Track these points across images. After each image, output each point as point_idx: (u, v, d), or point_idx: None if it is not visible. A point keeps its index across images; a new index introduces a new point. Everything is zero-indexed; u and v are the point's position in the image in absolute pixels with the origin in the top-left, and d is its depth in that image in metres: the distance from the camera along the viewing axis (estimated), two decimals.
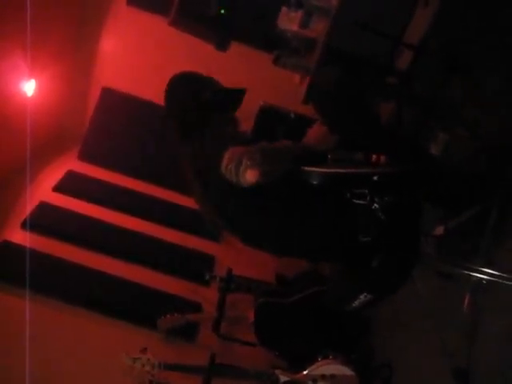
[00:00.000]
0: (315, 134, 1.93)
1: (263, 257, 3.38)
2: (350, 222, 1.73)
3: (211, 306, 3.65)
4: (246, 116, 3.54)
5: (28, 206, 4.06)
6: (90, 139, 5.00)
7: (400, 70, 3.90)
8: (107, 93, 4.99)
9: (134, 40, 4.90)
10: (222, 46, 3.60)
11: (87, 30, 4.89)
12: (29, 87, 4.11)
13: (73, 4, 4.65)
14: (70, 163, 4.85)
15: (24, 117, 3.97)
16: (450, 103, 3.19)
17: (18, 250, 3.69)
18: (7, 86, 3.86)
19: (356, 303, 1.82)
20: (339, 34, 3.19)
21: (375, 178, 1.67)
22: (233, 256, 4.01)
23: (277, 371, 2.75)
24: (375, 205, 1.68)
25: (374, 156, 1.76)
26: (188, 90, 2.01)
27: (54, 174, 4.61)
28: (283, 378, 2.71)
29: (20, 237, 3.83)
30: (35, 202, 4.15)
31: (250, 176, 1.59)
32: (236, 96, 2.09)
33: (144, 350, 2.78)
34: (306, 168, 1.72)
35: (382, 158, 1.76)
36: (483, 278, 2.06)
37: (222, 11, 3.50)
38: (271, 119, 3.39)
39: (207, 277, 3.70)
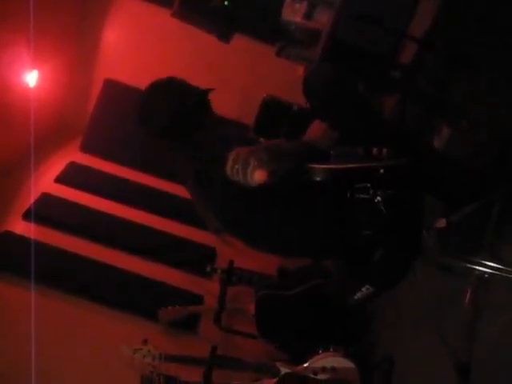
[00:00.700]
0: (316, 130, 1.93)
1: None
2: (351, 218, 1.72)
3: (212, 298, 3.65)
4: (249, 108, 3.54)
5: (30, 197, 4.06)
6: (91, 130, 4.99)
7: (404, 64, 3.89)
8: (109, 84, 4.97)
9: (137, 31, 4.88)
10: (224, 37, 3.58)
11: (90, 21, 4.87)
12: (31, 78, 4.10)
13: None
14: (72, 154, 4.85)
15: (26, 108, 3.96)
16: (453, 97, 3.18)
17: (20, 240, 3.69)
18: (10, 76, 3.85)
19: (358, 295, 1.82)
20: (343, 25, 3.18)
21: (381, 171, 1.66)
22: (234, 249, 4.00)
23: (277, 363, 2.75)
24: (378, 198, 1.68)
25: (376, 149, 1.75)
26: (170, 102, 1.92)
27: (56, 165, 4.61)
28: (284, 370, 2.71)
29: (21, 227, 3.84)
30: (37, 193, 4.14)
31: (258, 176, 1.58)
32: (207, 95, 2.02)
33: (145, 342, 2.77)
34: (311, 165, 1.71)
35: (384, 151, 1.75)
36: (486, 272, 2.05)
37: (226, 2, 3.48)
38: (274, 111, 3.38)
39: (208, 269, 3.70)
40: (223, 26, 3.56)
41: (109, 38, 4.98)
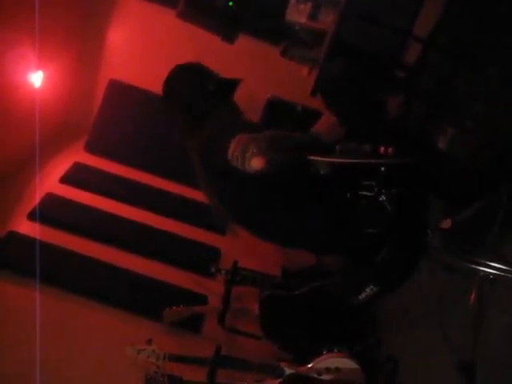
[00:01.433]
0: (324, 124, 1.93)
1: (269, 250, 3.40)
2: (353, 214, 1.73)
3: (216, 299, 3.66)
4: (253, 109, 3.54)
5: (35, 198, 4.07)
6: (96, 131, 5.00)
7: (408, 64, 3.88)
8: (114, 84, 4.98)
9: (141, 32, 4.89)
10: (229, 37, 3.58)
11: (94, 21, 4.89)
12: (36, 78, 4.11)
13: None
14: (77, 155, 4.86)
15: (31, 108, 3.97)
16: (457, 97, 3.17)
17: (24, 240, 3.71)
18: (15, 76, 3.86)
19: (363, 296, 1.82)
20: (348, 26, 3.18)
21: (383, 169, 1.66)
22: (238, 249, 4.00)
23: (282, 364, 2.75)
24: (382, 196, 1.68)
25: (382, 148, 1.76)
26: (192, 82, 2.02)
27: (61, 165, 4.62)
28: (288, 371, 2.71)
29: (26, 227, 3.85)
30: (42, 194, 4.16)
31: (255, 163, 1.59)
32: (233, 85, 2.12)
33: (149, 342, 2.78)
34: (314, 157, 1.72)
35: (390, 150, 1.75)
36: (490, 273, 2.05)
37: (230, 3, 3.48)
38: (278, 112, 3.38)
39: (213, 269, 3.71)
40: (227, 26, 3.56)
41: (113, 38, 5.00)
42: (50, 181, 4.39)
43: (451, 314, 2.54)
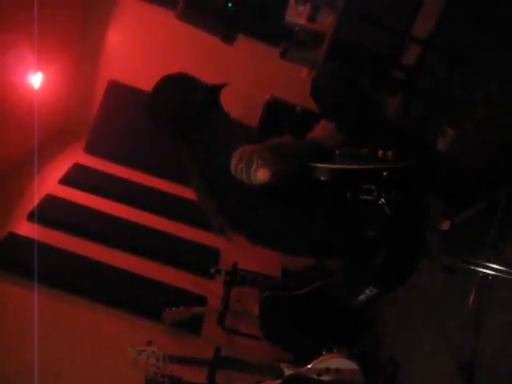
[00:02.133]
0: (321, 130, 1.93)
1: (269, 251, 3.40)
2: (353, 218, 1.73)
3: (216, 300, 3.65)
4: (253, 109, 3.55)
5: (34, 199, 4.07)
6: (96, 132, 5.01)
7: (407, 65, 3.89)
8: (113, 86, 4.99)
9: (141, 33, 4.90)
10: (228, 39, 3.59)
11: (94, 22, 4.89)
12: (36, 80, 4.12)
13: None
14: (77, 156, 4.86)
15: (31, 109, 3.97)
16: (456, 98, 3.18)
17: (24, 241, 3.70)
18: (14, 78, 3.86)
19: (362, 297, 1.82)
20: (347, 27, 3.19)
21: (385, 173, 1.66)
22: (238, 249, 4.00)
23: (281, 364, 2.75)
24: (382, 200, 1.68)
25: (381, 152, 1.75)
26: (179, 94, 1.97)
27: (61, 166, 4.62)
28: (288, 372, 2.71)
29: (26, 229, 3.84)
30: (41, 195, 4.15)
31: (261, 175, 1.57)
32: (219, 89, 2.06)
33: (149, 343, 2.78)
34: (315, 164, 1.71)
35: (389, 153, 1.75)
36: (489, 274, 2.05)
37: (229, 4, 3.49)
38: (277, 113, 3.39)
39: (212, 270, 3.71)
40: (227, 27, 3.57)
41: (113, 39, 5.00)
42: (49, 182, 4.39)
43: (451, 314, 2.54)
